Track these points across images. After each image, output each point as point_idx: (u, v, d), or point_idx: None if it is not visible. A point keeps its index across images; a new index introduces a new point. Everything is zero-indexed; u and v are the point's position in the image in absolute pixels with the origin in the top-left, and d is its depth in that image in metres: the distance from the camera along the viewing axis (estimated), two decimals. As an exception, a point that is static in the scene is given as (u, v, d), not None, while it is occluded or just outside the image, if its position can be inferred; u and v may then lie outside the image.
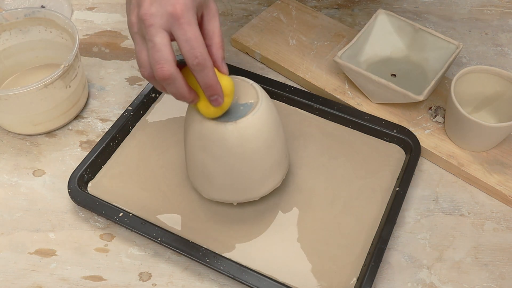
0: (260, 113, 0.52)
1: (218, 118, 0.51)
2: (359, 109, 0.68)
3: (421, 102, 0.68)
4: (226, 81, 0.50)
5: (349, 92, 0.70)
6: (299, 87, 0.73)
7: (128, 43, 0.79)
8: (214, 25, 0.50)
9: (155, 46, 0.46)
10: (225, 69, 0.50)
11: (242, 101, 0.53)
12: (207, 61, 0.47)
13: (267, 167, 0.54)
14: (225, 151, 0.52)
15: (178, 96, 0.49)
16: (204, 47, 0.46)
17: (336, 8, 0.85)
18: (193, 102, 0.50)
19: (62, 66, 0.62)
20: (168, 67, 0.46)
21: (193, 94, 0.49)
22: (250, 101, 0.53)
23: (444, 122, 0.67)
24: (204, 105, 0.50)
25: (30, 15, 0.68)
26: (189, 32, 0.46)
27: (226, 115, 0.52)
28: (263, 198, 0.59)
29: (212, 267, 0.54)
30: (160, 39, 0.46)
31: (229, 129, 0.51)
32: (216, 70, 0.49)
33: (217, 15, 0.50)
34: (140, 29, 0.47)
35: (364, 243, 0.57)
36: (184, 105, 0.68)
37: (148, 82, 0.71)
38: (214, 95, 0.48)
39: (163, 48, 0.46)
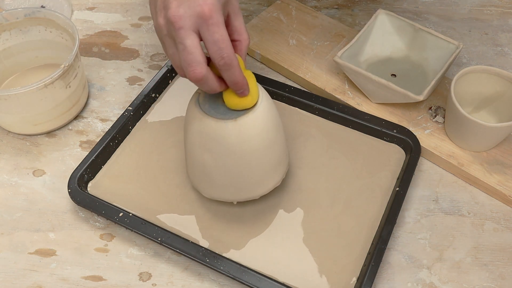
0: (260, 112, 0.52)
1: (218, 116, 0.51)
2: (359, 109, 0.68)
3: (421, 102, 0.68)
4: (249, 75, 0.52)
5: (349, 92, 0.70)
6: (299, 87, 0.73)
7: (128, 43, 0.79)
8: (240, 21, 0.51)
9: (185, 48, 0.46)
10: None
11: None
12: (233, 61, 0.47)
13: (267, 166, 0.54)
14: (225, 149, 0.52)
15: (209, 91, 0.50)
16: (231, 47, 0.47)
17: (336, 8, 0.85)
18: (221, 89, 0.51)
19: (62, 66, 0.62)
20: (200, 69, 0.47)
21: (224, 86, 0.50)
22: None
23: (444, 122, 0.67)
24: (231, 96, 0.51)
25: (30, 15, 0.68)
26: (217, 33, 0.46)
27: (227, 113, 0.52)
28: (263, 198, 0.59)
29: (212, 267, 0.54)
30: (191, 42, 0.46)
31: (229, 127, 0.51)
32: (242, 64, 0.51)
33: (240, 11, 0.51)
34: (169, 31, 0.47)
35: (364, 243, 0.57)
36: (184, 105, 0.68)
37: (148, 82, 0.71)
38: (240, 90, 0.50)
39: (194, 51, 0.47)
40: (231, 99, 0.51)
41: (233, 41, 0.51)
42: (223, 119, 0.51)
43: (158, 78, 0.70)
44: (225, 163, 0.53)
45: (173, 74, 0.73)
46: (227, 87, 0.51)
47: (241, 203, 0.59)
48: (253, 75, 0.52)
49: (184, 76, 0.50)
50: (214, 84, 0.49)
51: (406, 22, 0.71)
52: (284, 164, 0.57)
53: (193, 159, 0.55)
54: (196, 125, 0.52)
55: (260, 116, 0.52)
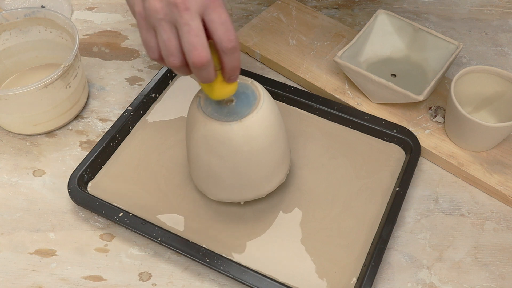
0: (263, 110, 0.52)
1: (222, 118, 0.51)
2: (359, 109, 0.68)
3: (421, 102, 0.68)
4: None
5: (349, 92, 0.70)
6: (299, 87, 0.73)
7: (128, 43, 0.79)
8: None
9: (191, 30, 0.45)
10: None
11: (245, 99, 0.53)
12: (238, 44, 0.46)
13: (273, 163, 0.54)
14: (232, 151, 0.52)
15: (206, 80, 0.48)
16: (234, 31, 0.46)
17: (336, 8, 0.85)
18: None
19: (62, 66, 0.62)
20: (205, 53, 0.45)
21: (215, 75, 0.49)
22: (252, 99, 0.53)
23: (444, 122, 0.67)
24: (221, 86, 0.50)
25: (30, 15, 0.68)
26: (223, 14, 0.45)
27: (230, 115, 0.52)
28: (264, 198, 0.59)
29: (212, 267, 0.54)
30: (197, 24, 0.45)
31: (235, 128, 0.51)
32: None
33: None
34: (168, 14, 0.45)
35: (364, 243, 0.57)
36: (184, 105, 0.68)
37: (148, 82, 0.71)
38: (235, 75, 0.49)
39: (200, 33, 0.45)
40: (221, 89, 0.50)
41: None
42: (228, 121, 0.51)
43: (158, 78, 0.70)
44: (233, 164, 0.53)
45: (173, 74, 0.73)
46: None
47: (241, 204, 0.59)
48: None
49: (178, 65, 0.47)
50: (212, 72, 0.47)
51: (406, 22, 0.71)
52: (288, 160, 0.58)
53: (199, 162, 0.55)
54: (201, 129, 0.52)
55: (264, 114, 0.52)
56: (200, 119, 0.52)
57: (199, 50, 0.45)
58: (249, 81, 0.55)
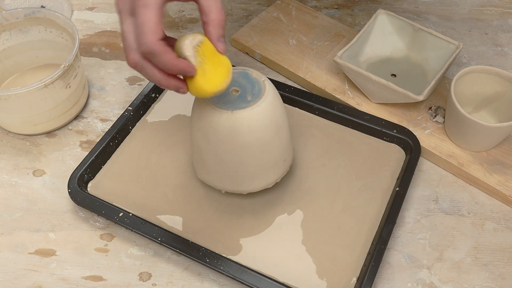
0: (258, 110, 0.51)
1: (217, 104, 0.51)
2: (359, 109, 0.68)
3: (421, 102, 0.68)
4: (221, 59, 0.48)
5: (349, 92, 0.70)
6: (299, 87, 0.73)
7: (128, 43, 0.79)
8: (210, 1, 0.46)
9: (122, 34, 0.45)
10: (220, 48, 0.47)
11: (249, 94, 0.53)
12: (154, 48, 0.43)
13: (257, 165, 0.54)
14: (217, 137, 0.52)
15: (155, 82, 0.46)
16: (154, 33, 0.43)
17: (336, 8, 0.85)
18: (181, 90, 0.47)
19: (62, 66, 0.62)
20: (132, 55, 0.44)
21: (174, 82, 0.46)
22: (256, 96, 0.53)
23: (444, 122, 0.67)
24: (202, 81, 0.47)
25: (30, 15, 0.68)
26: (142, 15, 0.43)
27: (227, 103, 0.51)
28: (263, 198, 0.59)
29: (212, 267, 0.54)
30: (125, 27, 0.45)
31: (223, 117, 0.51)
32: (212, 49, 0.47)
33: None
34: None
35: (364, 243, 0.57)
36: (184, 105, 0.69)
37: (148, 82, 0.71)
38: (182, 73, 0.46)
39: (128, 36, 0.45)
40: (189, 85, 0.47)
41: (203, 22, 0.47)
42: (220, 108, 0.51)
43: (158, 78, 0.70)
44: (216, 151, 0.53)
45: (173, 74, 0.73)
46: (181, 83, 0.47)
47: (241, 204, 0.60)
48: (227, 63, 0.49)
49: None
50: (153, 74, 0.45)
51: (406, 22, 0.71)
52: (281, 167, 0.57)
53: (192, 139, 0.56)
54: (197, 108, 0.53)
55: (258, 114, 0.51)
56: (198, 99, 0.53)
57: (127, 52, 0.45)
58: (262, 78, 0.54)
